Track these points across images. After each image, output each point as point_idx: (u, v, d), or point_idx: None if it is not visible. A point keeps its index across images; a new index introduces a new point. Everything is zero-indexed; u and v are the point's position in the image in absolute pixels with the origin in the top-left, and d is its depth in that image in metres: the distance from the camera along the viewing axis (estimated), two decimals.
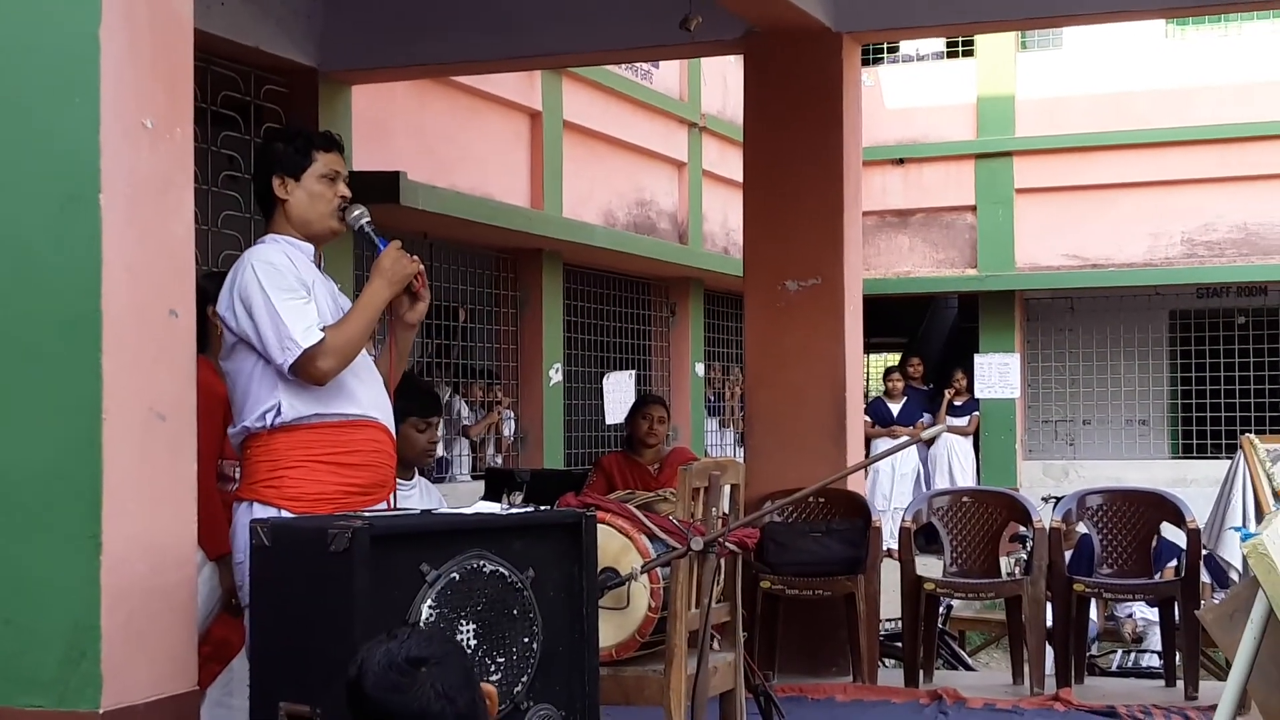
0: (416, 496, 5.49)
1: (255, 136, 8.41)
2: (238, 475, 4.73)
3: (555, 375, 12.61)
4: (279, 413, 4.04)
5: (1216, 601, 9.01)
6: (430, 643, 2.70)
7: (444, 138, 11.00)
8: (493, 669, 3.66)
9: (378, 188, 8.93)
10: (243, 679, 4.39)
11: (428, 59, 9.10)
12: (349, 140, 8.47)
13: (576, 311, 13.58)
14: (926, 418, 15.71)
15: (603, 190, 13.50)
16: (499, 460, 12.41)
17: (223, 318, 4.09)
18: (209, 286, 4.46)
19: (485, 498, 8.61)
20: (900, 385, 15.79)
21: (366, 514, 3.77)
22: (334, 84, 9.00)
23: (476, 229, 11.04)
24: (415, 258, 4.22)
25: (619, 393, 11.99)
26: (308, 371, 4.02)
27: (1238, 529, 6.16)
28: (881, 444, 14.74)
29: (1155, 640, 10.93)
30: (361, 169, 8.81)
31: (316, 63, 8.79)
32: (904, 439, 13.29)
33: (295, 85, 8.78)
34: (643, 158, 14.23)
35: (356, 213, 4.29)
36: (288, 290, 4.04)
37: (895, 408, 15.59)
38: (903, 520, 8.22)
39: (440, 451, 11.37)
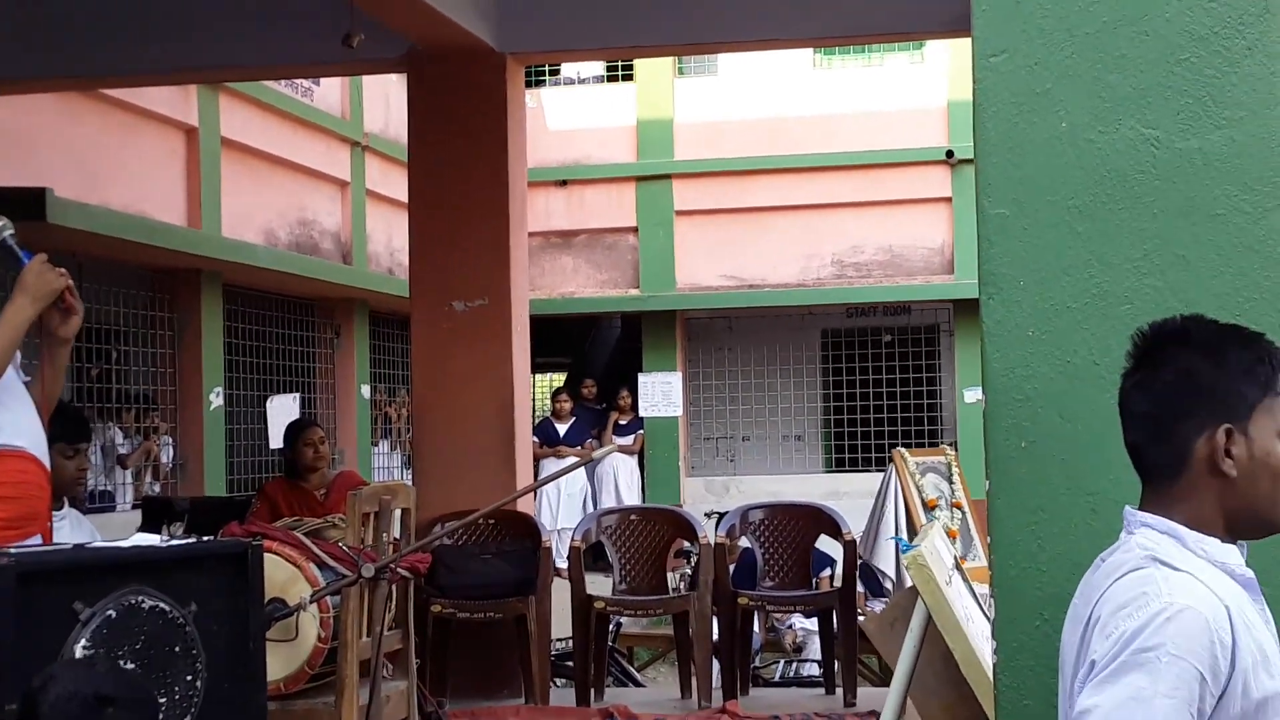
0: (67, 528, 5.20)
1: None
2: None
3: (216, 399, 12.22)
4: None
5: (874, 610, 9.36)
6: (123, 684, 2.52)
7: (95, 153, 10.54)
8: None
9: (20, 204, 8.49)
10: None
11: (73, 70, 8.72)
12: None
13: (238, 334, 13.19)
14: (590, 439, 15.87)
15: (264, 209, 13.17)
16: (157, 489, 11.94)
17: None
18: None
19: (144, 528, 8.30)
20: (568, 406, 15.89)
21: (13, 550, 3.54)
22: None
23: (130, 248, 10.61)
24: (63, 271, 4.00)
25: (283, 416, 11.67)
26: None
27: (897, 539, 6.39)
28: (549, 464, 14.80)
29: (815, 649, 11.28)
30: (1, 184, 8.35)
31: None
32: (573, 459, 13.36)
33: None
34: (305, 176, 13.95)
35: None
36: None
37: (563, 428, 15.69)
38: (572, 540, 8.25)
39: (95, 481, 10.88)
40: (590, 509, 15.28)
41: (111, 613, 3.41)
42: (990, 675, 3.41)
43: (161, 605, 3.52)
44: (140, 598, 3.48)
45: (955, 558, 4.18)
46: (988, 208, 2.75)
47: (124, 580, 3.47)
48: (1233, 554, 2.30)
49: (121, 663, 3.41)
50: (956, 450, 7.68)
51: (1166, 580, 2.19)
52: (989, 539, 2.82)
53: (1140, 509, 2.35)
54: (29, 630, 3.27)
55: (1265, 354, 2.29)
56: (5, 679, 3.21)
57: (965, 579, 3.98)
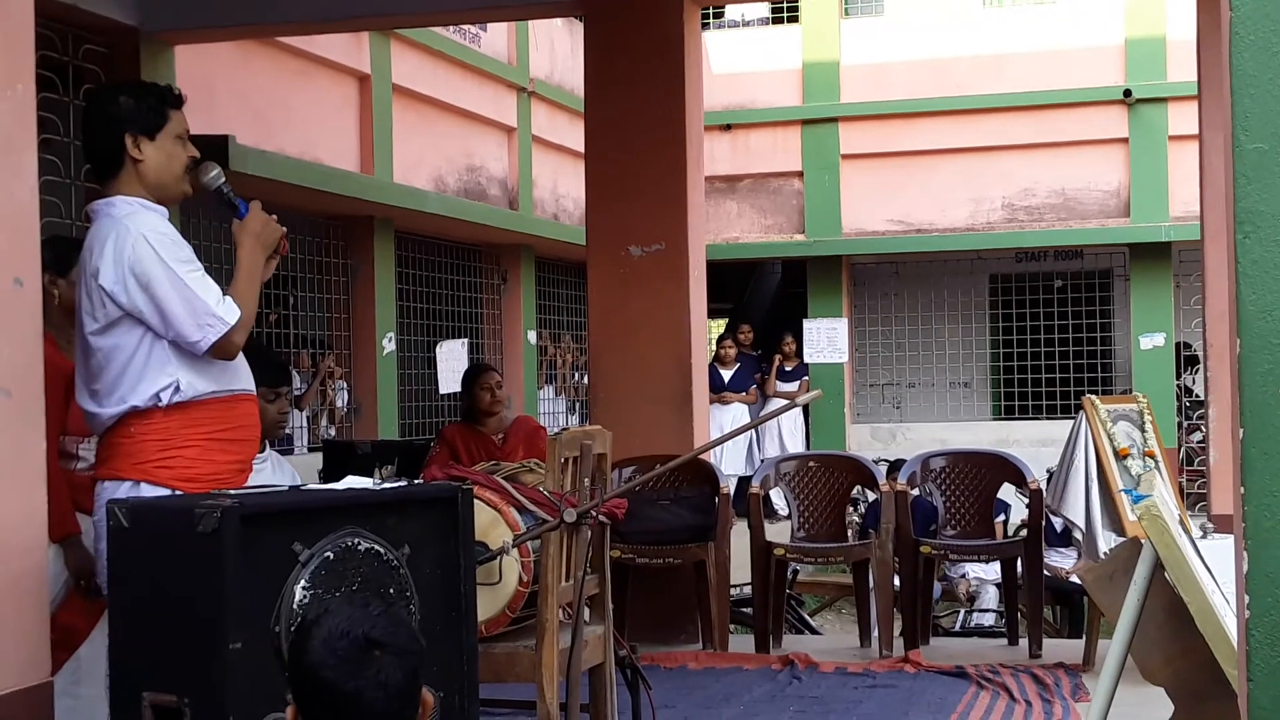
0: (269, 470, 5.29)
1: (74, 99, 8.04)
2: (81, 452, 4.50)
3: (388, 344, 12.37)
4: (177, 390, 3.81)
5: (1051, 560, 9.20)
6: (397, 631, 2.51)
7: (271, 101, 10.68)
8: None
9: (206, 151, 8.58)
10: (91, 667, 4.18)
11: (252, 19, 8.82)
12: None
13: (408, 279, 13.34)
14: (752, 384, 15.80)
15: (433, 156, 13.26)
16: (332, 432, 12.15)
17: (109, 291, 3.78)
18: (43, 254, 4.20)
19: (324, 470, 8.44)
20: (733, 352, 15.83)
21: (233, 492, 3.59)
22: (156, 44, 8.64)
23: (306, 194, 10.75)
24: (274, 217, 4.04)
25: (452, 361, 11.80)
26: (224, 348, 3.83)
27: (1128, 491, 6.24)
28: (714, 410, 14.75)
29: (989, 599, 11.15)
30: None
31: (138, 22, 8.43)
32: (783, 403, 13.47)
33: (116, 46, 8.40)
34: (472, 122, 14.01)
35: (213, 173, 4.09)
36: (189, 263, 3.84)
37: (727, 374, 15.63)
38: (752, 486, 8.20)
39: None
40: (754, 457, 15.25)
41: (329, 554, 3.44)
42: (1229, 629, 3.30)
43: (376, 547, 3.55)
44: (356, 539, 3.51)
45: (1178, 510, 4.05)
46: (1244, 142, 2.61)
47: (340, 522, 3.50)
48: None
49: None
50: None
51: None
52: (1240, 489, 2.69)
53: None
54: (250, 571, 3.31)
55: None
56: (231, 618, 3.26)
57: (1187, 531, 3.85)
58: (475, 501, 4.15)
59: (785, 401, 12.94)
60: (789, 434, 16.08)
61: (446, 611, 3.74)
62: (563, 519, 4.39)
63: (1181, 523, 3.89)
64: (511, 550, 4.36)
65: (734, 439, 15.15)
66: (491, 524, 4.41)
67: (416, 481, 4.20)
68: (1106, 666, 3.57)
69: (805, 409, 16.59)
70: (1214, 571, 3.65)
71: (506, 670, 4.54)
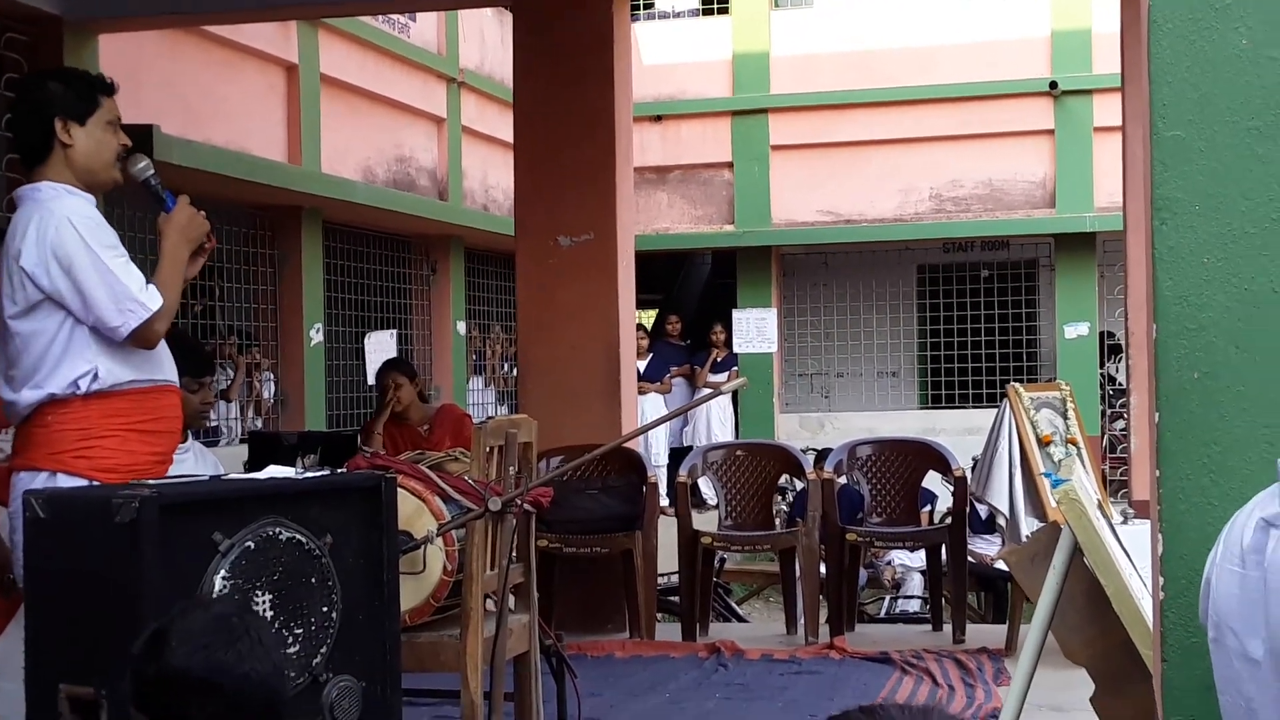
0: (191, 461, 5.24)
1: None
2: None
3: (316, 335, 12.28)
4: (96, 378, 3.77)
5: (976, 548, 9.28)
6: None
7: (197, 90, 10.56)
8: (290, 641, 3.50)
9: (131, 141, 8.51)
10: (9, 660, 4.11)
11: (178, 8, 8.76)
12: None
13: (336, 270, 13.24)
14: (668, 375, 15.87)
15: (362, 146, 13.17)
16: (259, 424, 12.05)
17: (30, 273, 3.74)
18: None
19: (249, 461, 8.38)
20: (645, 342, 15.81)
21: (152, 482, 3.55)
22: (80, 33, 8.52)
23: (233, 185, 10.65)
24: (202, 212, 4.01)
25: (380, 353, 11.74)
26: (144, 335, 3.79)
27: (1048, 474, 6.30)
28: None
29: (914, 586, 11.23)
30: None
31: (62, 11, 8.30)
32: (707, 391, 13.46)
33: (39, 35, 8.27)
34: (402, 113, 13.93)
35: (142, 164, 4.05)
36: (113, 248, 3.80)
37: (641, 365, 15.60)
38: (679, 475, 8.22)
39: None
40: (682, 445, 15.28)
41: (250, 544, 3.42)
42: (1144, 611, 3.34)
43: (298, 537, 3.53)
44: (278, 529, 3.49)
45: (1096, 495, 4.09)
46: (1162, 130, 2.65)
47: (262, 512, 3.47)
48: None
49: (259, 594, 3.42)
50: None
51: None
52: (1156, 473, 2.73)
53: None
54: (170, 561, 3.28)
55: None
56: (149, 609, 3.22)
57: (1105, 516, 3.89)
58: (399, 491, 4.13)
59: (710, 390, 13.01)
60: (718, 424, 16.13)
61: (369, 601, 3.72)
62: (487, 507, 4.37)
63: (1101, 507, 3.93)
64: (436, 539, 4.34)
65: (659, 428, 15.24)
66: (416, 513, 4.39)
67: (340, 471, 4.17)
68: (1025, 648, 3.61)
69: (735, 399, 16.64)
70: (1132, 555, 3.70)
71: (430, 659, 4.52)
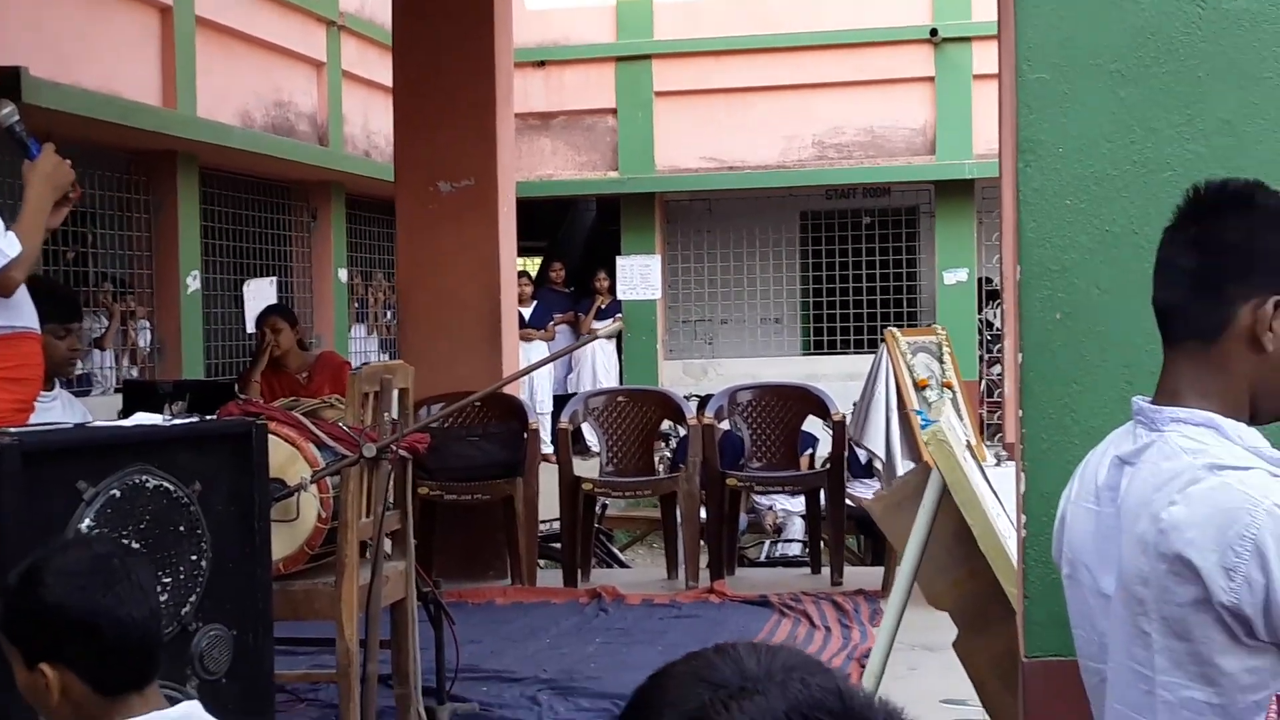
0: (58, 409, 5.11)
1: None
2: None
3: (193, 283, 12.08)
4: None
5: (855, 491, 9.38)
6: (128, 553, 2.45)
7: (67, 32, 10.29)
8: (159, 589, 3.45)
9: None
10: None
11: None
12: None
13: (214, 217, 13.02)
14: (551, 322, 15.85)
15: (239, 90, 12.93)
16: (134, 373, 11.84)
17: None
18: None
19: (124, 411, 8.23)
20: (530, 290, 15.77)
21: (13, 430, 3.47)
22: None
23: (105, 129, 10.40)
24: (69, 161, 3.92)
25: (260, 300, 11.57)
26: (2, 282, 3.70)
27: (920, 414, 6.37)
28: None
29: (795, 530, 11.34)
30: None
31: None
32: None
33: None
34: (280, 57, 13.69)
35: (7, 110, 3.95)
36: None
37: (526, 312, 15.57)
38: (560, 421, 8.22)
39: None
40: (567, 392, 15.27)
41: (115, 492, 3.36)
42: (1009, 550, 3.39)
43: (166, 484, 3.47)
44: (144, 477, 3.43)
45: (967, 437, 4.15)
46: (1027, 73, 2.67)
47: (128, 460, 3.41)
48: (1260, 437, 2.16)
49: (126, 542, 3.36)
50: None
51: (1243, 484, 1.98)
52: (1019, 412, 2.77)
53: (1161, 386, 2.20)
54: (33, 509, 3.21)
55: None
56: (11, 559, 3.16)
57: (975, 457, 3.94)
58: (272, 438, 4.09)
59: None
60: (603, 370, 16.14)
61: (240, 548, 3.68)
62: (362, 454, 4.34)
63: (973, 450, 3.98)
64: (309, 486, 4.30)
65: (544, 374, 15.23)
66: (289, 460, 4.34)
67: (209, 418, 4.11)
68: (895, 588, 3.66)
69: (619, 345, 16.65)
70: (1001, 496, 3.75)
71: (305, 608, 4.49)
